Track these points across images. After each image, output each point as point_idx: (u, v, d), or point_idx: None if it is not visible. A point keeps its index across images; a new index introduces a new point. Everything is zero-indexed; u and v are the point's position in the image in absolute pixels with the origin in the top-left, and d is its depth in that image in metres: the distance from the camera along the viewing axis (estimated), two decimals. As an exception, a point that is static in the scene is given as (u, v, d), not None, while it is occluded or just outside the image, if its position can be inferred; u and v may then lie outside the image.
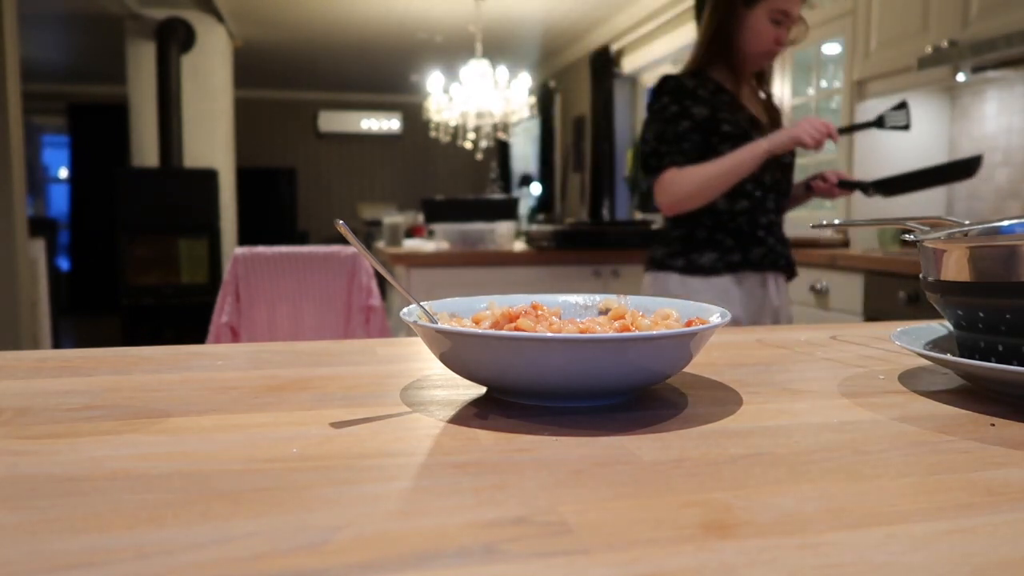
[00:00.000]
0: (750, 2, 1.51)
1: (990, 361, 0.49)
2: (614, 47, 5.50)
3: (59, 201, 8.31)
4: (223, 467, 0.35)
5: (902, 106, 1.51)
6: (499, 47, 6.04)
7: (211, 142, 5.23)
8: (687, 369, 0.58)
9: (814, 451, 0.38)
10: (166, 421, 0.43)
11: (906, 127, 1.50)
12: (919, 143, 2.80)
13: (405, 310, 0.51)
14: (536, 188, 7.20)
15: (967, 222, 0.54)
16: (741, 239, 1.57)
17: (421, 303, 0.53)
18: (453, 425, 0.42)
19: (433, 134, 5.75)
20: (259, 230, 6.96)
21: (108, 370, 0.57)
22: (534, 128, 7.28)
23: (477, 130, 5.39)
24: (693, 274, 1.56)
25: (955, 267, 0.49)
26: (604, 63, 5.53)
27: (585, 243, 2.86)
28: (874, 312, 2.32)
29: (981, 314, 0.48)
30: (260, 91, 7.82)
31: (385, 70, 7.02)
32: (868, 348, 0.69)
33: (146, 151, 5.12)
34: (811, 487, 0.33)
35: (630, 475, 0.35)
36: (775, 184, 1.60)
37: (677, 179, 1.51)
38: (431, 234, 3.35)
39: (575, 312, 0.60)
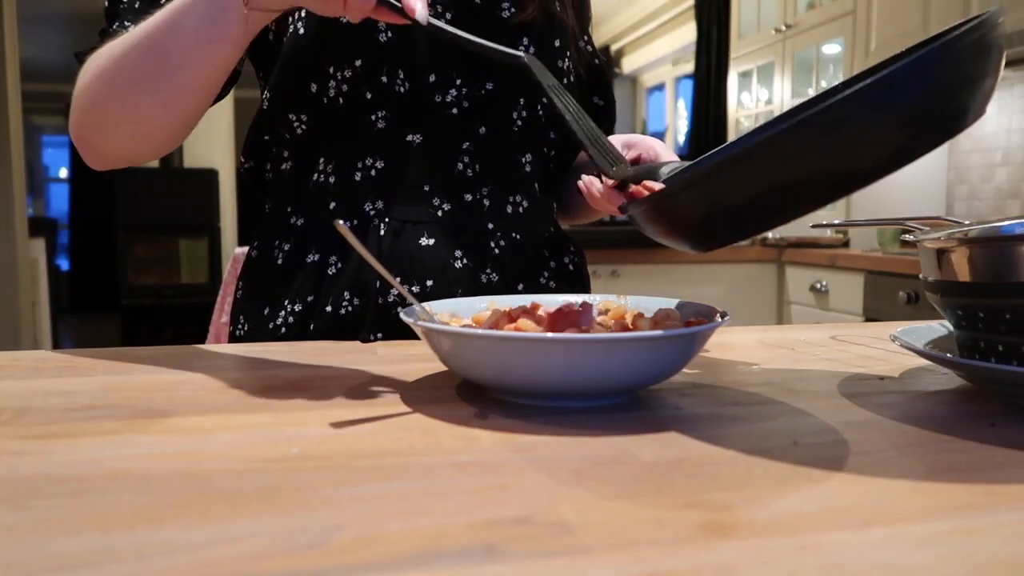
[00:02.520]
0: None
1: (990, 361, 0.49)
2: (614, 47, 5.50)
3: (59, 201, 8.31)
4: (223, 467, 0.35)
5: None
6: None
7: (211, 142, 5.23)
8: (687, 369, 0.58)
9: (814, 451, 0.38)
10: (166, 421, 0.43)
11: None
12: (919, 143, 2.79)
13: (405, 310, 0.51)
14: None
15: (967, 222, 0.54)
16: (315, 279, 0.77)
17: (421, 303, 0.53)
18: (453, 425, 0.42)
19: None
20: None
21: (108, 370, 0.57)
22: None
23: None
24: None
25: (955, 267, 0.49)
26: (604, 63, 5.53)
27: (584, 243, 2.85)
28: (874, 312, 2.32)
29: (981, 314, 0.48)
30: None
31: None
32: (868, 348, 0.69)
33: (146, 151, 5.11)
34: (811, 487, 0.33)
35: (630, 475, 0.35)
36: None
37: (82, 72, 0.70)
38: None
39: (575, 312, 0.60)
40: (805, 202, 0.40)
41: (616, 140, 0.76)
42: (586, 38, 0.91)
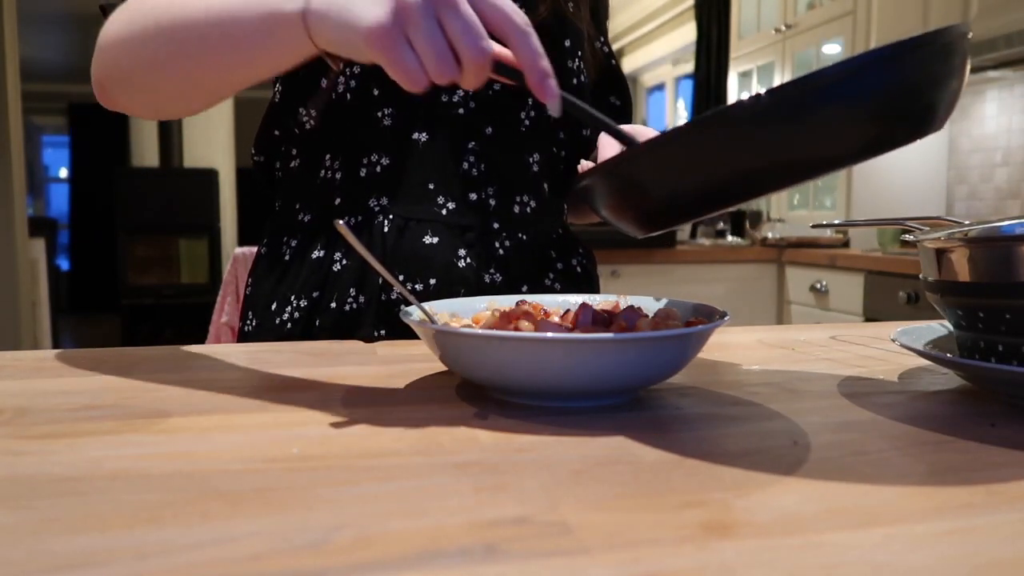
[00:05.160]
0: None
1: (990, 361, 0.49)
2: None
3: (59, 201, 8.31)
4: (223, 467, 0.35)
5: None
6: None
7: (211, 142, 5.23)
8: (687, 369, 0.58)
9: (814, 451, 0.38)
10: (166, 421, 0.43)
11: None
12: (919, 144, 2.79)
13: (405, 310, 0.51)
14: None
15: (967, 222, 0.54)
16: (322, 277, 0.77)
17: (422, 303, 0.53)
18: (453, 425, 0.42)
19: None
20: (259, 230, 6.95)
21: (108, 370, 0.56)
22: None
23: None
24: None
25: (955, 267, 0.49)
26: (604, 63, 5.53)
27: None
28: (874, 312, 2.32)
29: (981, 314, 0.48)
30: (260, 91, 7.81)
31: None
32: (868, 348, 0.69)
33: (146, 151, 5.12)
34: (811, 487, 0.33)
35: (630, 475, 0.35)
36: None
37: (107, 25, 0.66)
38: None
39: (575, 312, 0.60)
40: (764, 185, 0.40)
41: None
42: (602, 39, 0.91)
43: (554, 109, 0.47)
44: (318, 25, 0.48)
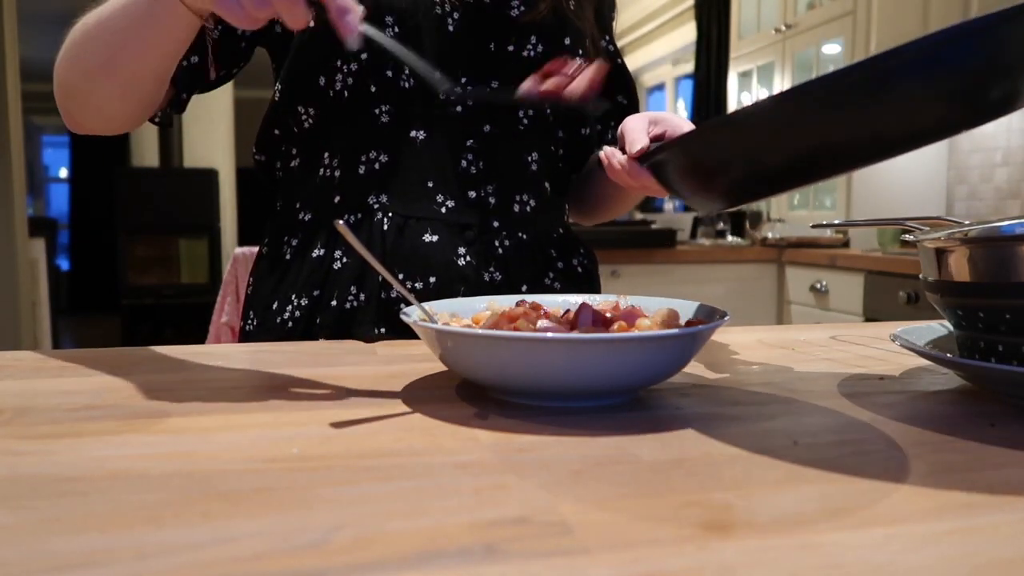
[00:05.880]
0: None
1: (990, 361, 0.49)
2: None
3: (59, 201, 8.31)
4: (223, 467, 0.35)
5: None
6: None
7: (211, 142, 5.23)
8: (687, 369, 0.58)
9: (814, 451, 0.38)
10: (166, 421, 0.43)
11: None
12: (919, 143, 2.79)
13: (405, 310, 0.51)
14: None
15: (967, 222, 0.54)
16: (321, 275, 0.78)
17: (422, 303, 0.53)
18: (453, 425, 0.42)
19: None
20: (259, 230, 6.95)
21: (108, 370, 0.56)
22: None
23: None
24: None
25: (955, 267, 0.49)
26: (604, 63, 5.52)
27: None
28: (874, 312, 2.32)
29: (981, 314, 0.48)
30: (260, 91, 7.82)
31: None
32: (868, 348, 0.69)
33: (146, 151, 5.12)
34: (811, 487, 0.33)
35: (630, 475, 0.35)
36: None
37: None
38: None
39: (575, 312, 0.59)
40: (835, 164, 0.39)
41: (642, 116, 0.74)
42: (607, 37, 0.90)
43: (352, 44, 0.51)
44: None
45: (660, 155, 0.47)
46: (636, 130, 0.65)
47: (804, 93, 0.38)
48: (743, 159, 0.42)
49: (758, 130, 0.40)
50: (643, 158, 0.52)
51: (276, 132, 0.81)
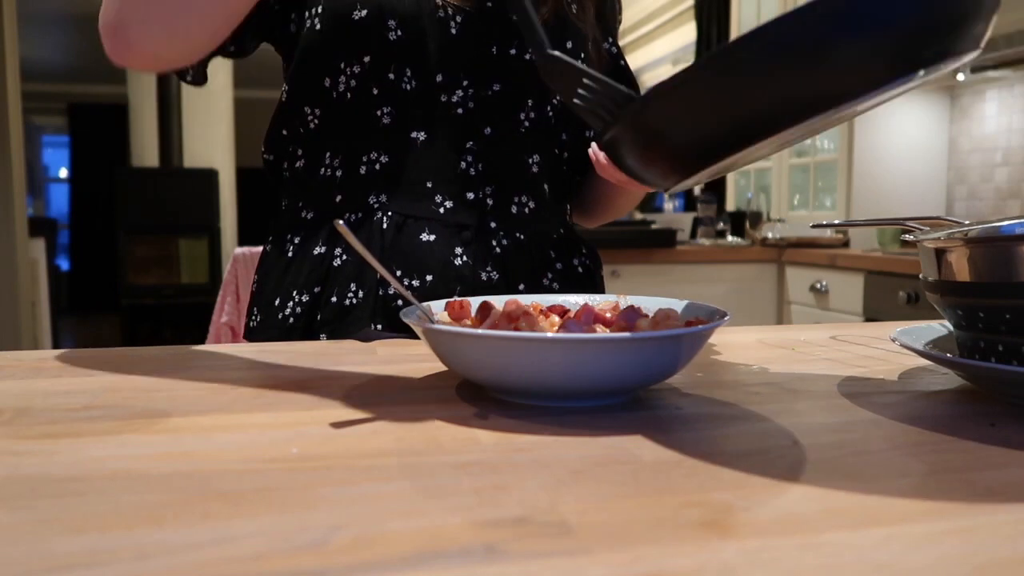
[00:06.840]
0: None
1: (990, 361, 0.48)
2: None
3: (59, 201, 8.31)
4: (223, 467, 0.35)
5: None
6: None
7: (211, 142, 5.23)
8: (687, 369, 0.58)
9: (814, 451, 0.38)
10: (166, 421, 0.43)
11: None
12: (919, 143, 2.79)
13: (405, 310, 0.51)
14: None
15: (967, 222, 0.54)
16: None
17: (421, 302, 0.53)
18: (453, 425, 0.42)
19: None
20: (259, 230, 6.96)
21: (108, 370, 0.57)
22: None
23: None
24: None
25: (955, 267, 0.49)
26: (604, 63, 5.52)
27: (585, 243, 2.85)
28: (874, 312, 2.32)
29: (981, 314, 0.48)
30: (260, 91, 7.82)
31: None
32: (868, 348, 0.69)
33: (146, 151, 5.12)
34: (811, 487, 0.33)
35: (630, 475, 0.35)
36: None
37: None
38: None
39: (575, 312, 0.59)
40: (770, 125, 0.38)
41: None
42: (611, 39, 0.90)
43: None
44: None
45: (607, 134, 0.46)
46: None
47: (728, 55, 0.37)
48: (678, 127, 0.41)
49: (689, 98, 0.39)
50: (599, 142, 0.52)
51: (284, 132, 0.82)
